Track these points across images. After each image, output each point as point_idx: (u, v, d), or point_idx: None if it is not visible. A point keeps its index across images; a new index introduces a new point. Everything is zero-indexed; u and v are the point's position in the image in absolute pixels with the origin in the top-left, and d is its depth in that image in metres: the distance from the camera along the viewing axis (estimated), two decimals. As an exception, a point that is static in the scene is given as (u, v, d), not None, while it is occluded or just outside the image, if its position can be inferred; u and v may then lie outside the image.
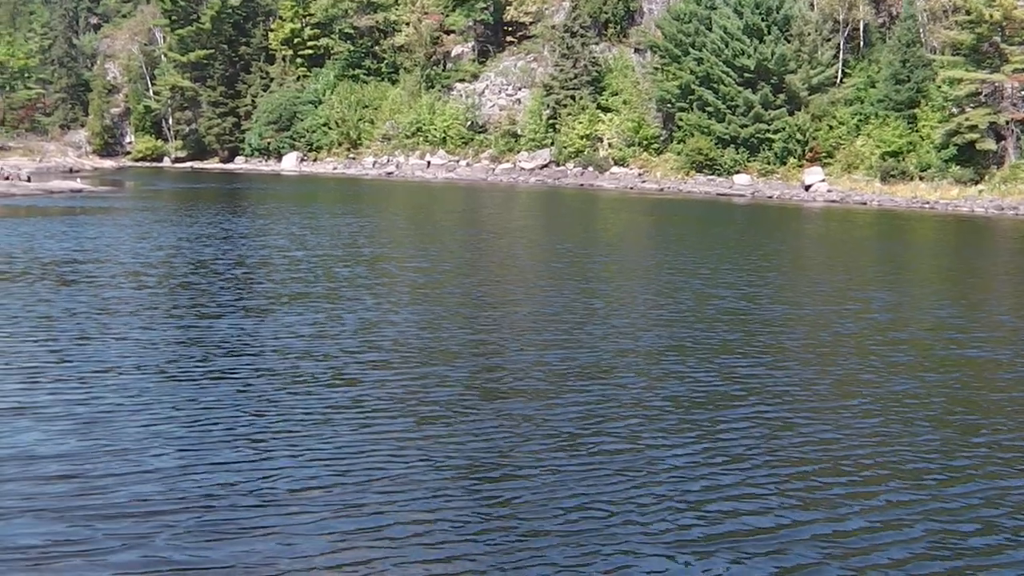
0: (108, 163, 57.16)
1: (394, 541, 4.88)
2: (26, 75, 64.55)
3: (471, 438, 6.40)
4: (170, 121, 59.03)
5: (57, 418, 6.73)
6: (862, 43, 39.05)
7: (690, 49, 40.22)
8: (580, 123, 42.45)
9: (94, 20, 68.60)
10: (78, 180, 40.25)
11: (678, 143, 40.66)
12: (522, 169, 43.66)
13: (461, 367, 8.40)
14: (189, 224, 23.52)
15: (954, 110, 34.02)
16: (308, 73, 54.07)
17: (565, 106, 43.09)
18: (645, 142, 41.97)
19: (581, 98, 42.80)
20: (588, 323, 10.37)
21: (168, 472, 5.69)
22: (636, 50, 44.73)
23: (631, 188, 39.11)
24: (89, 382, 7.79)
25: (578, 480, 5.66)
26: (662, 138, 41.83)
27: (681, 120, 40.19)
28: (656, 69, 42.29)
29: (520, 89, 46.88)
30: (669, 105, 41.02)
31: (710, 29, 39.76)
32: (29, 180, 38.21)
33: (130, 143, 61.93)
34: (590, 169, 42.02)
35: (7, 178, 38.05)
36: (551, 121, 43.82)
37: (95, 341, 9.39)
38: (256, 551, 4.66)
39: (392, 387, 7.68)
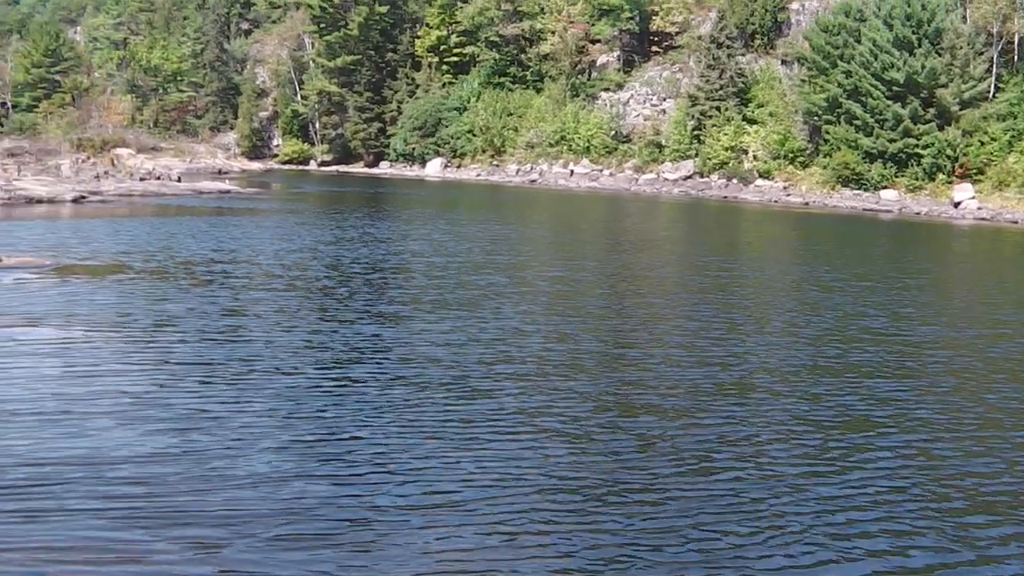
0: (256, 165, 64.46)
1: (520, 560, 5.23)
2: (179, 79, 73.15)
3: (604, 456, 6.88)
4: (317, 125, 66.15)
5: (180, 418, 7.53)
6: (1016, 56, 41.91)
7: (838, 61, 43.78)
8: (725, 135, 46.64)
9: (245, 26, 76.92)
10: (226, 181, 45.49)
11: (824, 157, 44.00)
12: (665, 180, 48.08)
13: (597, 382, 9.06)
14: (331, 227, 25.68)
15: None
16: (453, 80, 60.10)
17: (710, 117, 47.38)
18: (790, 155, 45.53)
19: (726, 109, 47.00)
20: (729, 339, 11.13)
21: (286, 478, 6.28)
22: (783, 62, 48.51)
23: (775, 201, 42.37)
24: (215, 382, 8.72)
25: (713, 505, 6.02)
26: (808, 151, 45.27)
27: (827, 133, 43.61)
28: (803, 81, 46.01)
29: (665, 99, 51.47)
30: (815, 118, 44.59)
31: (859, 41, 43.18)
32: (179, 180, 43.41)
33: (277, 146, 69.48)
34: (734, 181, 46.21)
35: (159, 178, 43.40)
36: (695, 132, 48.09)
37: (225, 341, 10.50)
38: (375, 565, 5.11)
39: (525, 400, 8.28)
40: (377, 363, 9.52)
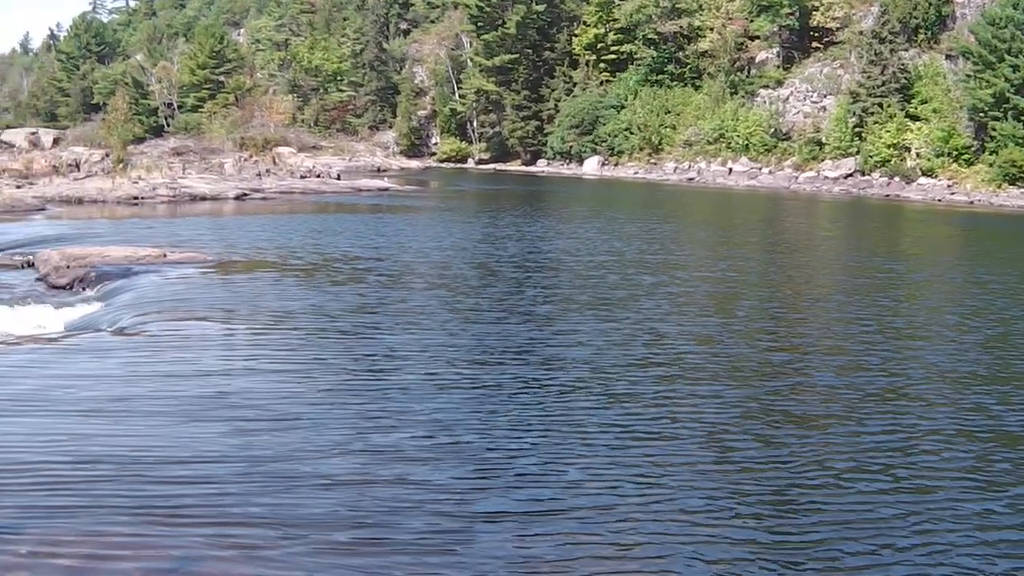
0: (414, 163, 69.64)
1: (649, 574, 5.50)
2: (339, 78, 79.81)
3: (763, 465, 7.04)
4: (474, 124, 71.39)
5: (317, 416, 8.07)
6: None
7: (1005, 56, 45.28)
8: (887, 132, 49.12)
9: (403, 26, 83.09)
10: (385, 179, 48.59)
11: (990, 154, 45.70)
12: (825, 178, 50.94)
13: (744, 388, 9.30)
14: (486, 225, 27.10)
15: None
16: (611, 78, 64.17)
17: (872, 114, 50.07)
18: (955, 152, 47.37)
19: (889, 106, 49.54)
20: (887, 345, 11.36)
21: (421, 481, 6.64)
22: (947, 56, 50.37)
23: (939, 200, 44.14)
24: (360, 379, 9.35)
25: (857, 521, 6.14)
26: (973, 149, 47.07)
27: (994, 130, 45.29)
28: (968, 76, 47.80)
29: (825, 96, 54.41)
30: (981, 114, 46.13)
31: (1028, 35, 45.58)
32: (339, 178, 47.04)
33: (435, 144, 75.03)
34: (896, 180, 48.94)
35: (319, 176, 47.29)
36: (857, 129, 50.67)
37: (375, 337, 11.37)
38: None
39: (667, 405, 8.58)
40: (520, 363, 10.11)
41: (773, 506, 6.42)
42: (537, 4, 67.37)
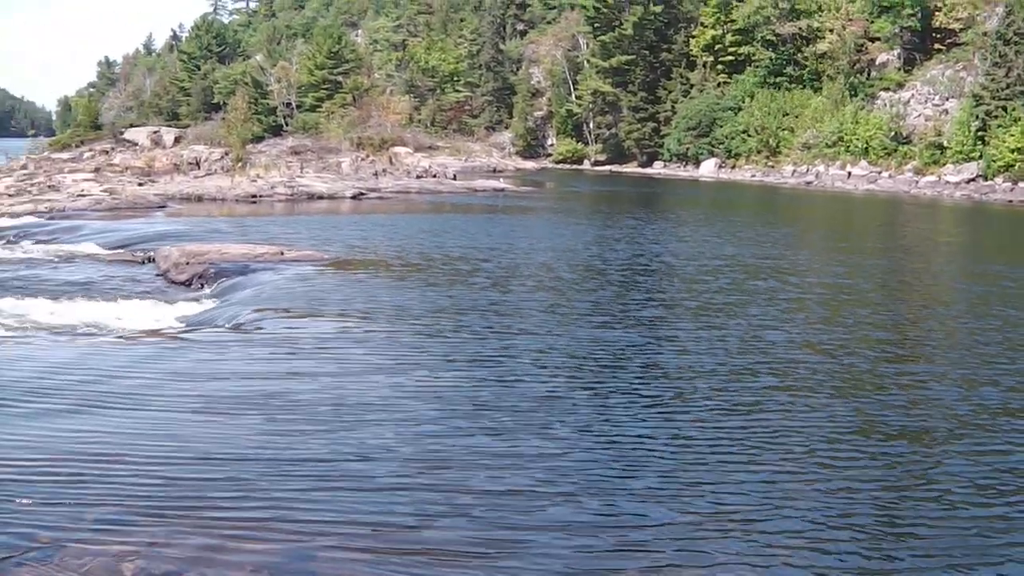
0: (530, 164, 72.69)
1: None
2: (455, 79, 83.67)
3: (874, 484, 7.13)
4: (591, 125, 74.10)
5: (425, 416, 8.53)
6: None
7: None
8: (1011, 136, 49.68)
9: (520, 27, 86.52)
10: (500, 180, 50.22)
11: None
12: (946, 183, 51.70)
13: (864, 399, 9.35)
14: (599, 227, 28.02)
15: None
16: (728, 80, 66.13)
17: (996, 117, 50.80)
18: None
19: (1014, 109, 50.06)
20: (1013, 357, 11.35)
21: (520, 489, 6.96)
22: (1076, 59, 52.31)
23: None
24: (467, 379, 9.83)
25: (1007, 550, 6.19)
26: None
27: None
28: (1097, 80, 49.74)
29: (948, 99, 55.58)
30: None
31: None
32: (455, 178, 49.02)
33: (551, 145, 77.95)
34: (1021, 185, 50.27)
35: (435, 176, 49.39)
36: (980, 133, 51.36)
37: (481, 339, 11.77)
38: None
39: (784, 416, 8.67)
40: (619, 369, 10.44)
41: (882, 528, 6.46)
42: (654, 5, 69.68)
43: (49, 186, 38.64)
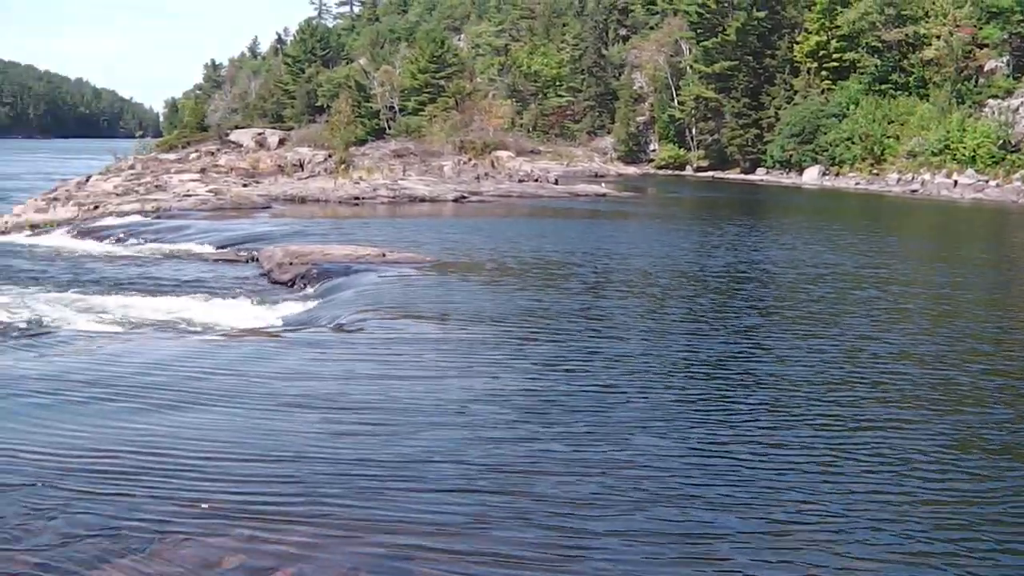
0: (631, 169, 74.40)
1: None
2: (558, 83, 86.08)
3: (976, 503, 7.09)
4: (693, 131, 75.20)
5: (507, 420, 8.84)
6: None
7: None
8: None
9: (623, 32, 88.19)
10: (602, 185, 51.84)
11: None
12: None
13: (966, 413, 9.28)
14: (699, 233, 28.36)
15: None
16: (832, 86, 66.69)
17: (1107, 126, 52.37)
18: None
19: None
20: None
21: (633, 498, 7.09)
22: None
23: None
24: (560, 385, 10.20)
25: None
26: None
27: None
28: None
29: (1058, 107, 56.73)
30: None
31: None
32: (556, 183, 49.99)
33: (653, 151, 79.15)
34: None
35: (536, 180, 50.40)
36: None
37: (577, 342, 12.21)
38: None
39: (881, 430, 8.73)
40: (715, 378, 10.62)
41: (978, 547, 6.42)
42: (758, 11, 70.54)
43: (156, 186, 40.09)
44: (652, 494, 7.27)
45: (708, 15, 73.37)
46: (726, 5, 72.30)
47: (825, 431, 8.88)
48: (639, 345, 12.41)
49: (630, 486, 7.41)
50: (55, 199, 35.40)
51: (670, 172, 75.00)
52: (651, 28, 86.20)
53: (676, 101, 76.98)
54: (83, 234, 27.41)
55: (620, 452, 8.20)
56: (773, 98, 70.70)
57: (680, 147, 77.15)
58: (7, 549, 6.31)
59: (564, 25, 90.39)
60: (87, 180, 41.76)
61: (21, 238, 27.68)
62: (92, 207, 32.87)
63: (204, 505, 7.02)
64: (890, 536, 6.61)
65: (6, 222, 30.94)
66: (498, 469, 7.79)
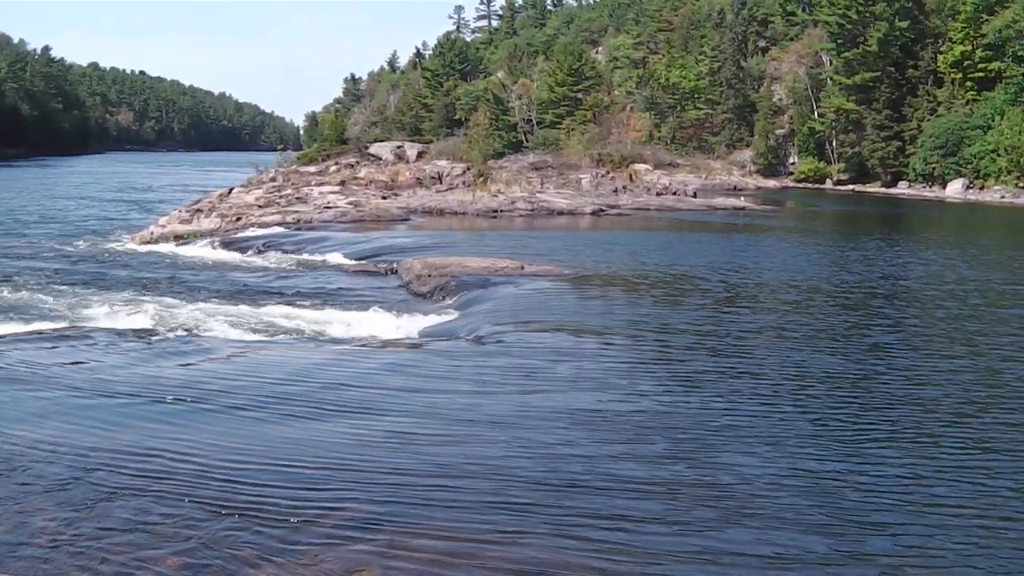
0: (770, 183, 75.75)
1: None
2: (696, 96, 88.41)
3: None
4: (833, 143, 76.07)
5: (634, 436, 9.06)
6: None
7: None
8: None
9: (761, 43, 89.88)
10: (741, 198, 52.52)
11: None
12: None
13: None
14: (838, 248, 28.56)
15: None
16: (977, 97, 66.68)
17: None
18: None
19: None
20: None
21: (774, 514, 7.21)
22: None
23: None
24: (701, 397, 10.46)
25: None
26: None
27: None
28: None
29: None
30: None
31: None
32: (695, 196, 50.74)
33: (792, 164, 79.92)
34: None
35: (675, 193, 50.69)
36: None
37: (714, 357, 12.53)
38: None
39: None
40: (851, 398, 10.64)
41: None
42: (900, 21, 71.11)
43: (297, 198, 41.08)
44: (754, 514, 7.40)
45: (849, 26, 74.17)
46: (867, 15, 72.99)
47: (956, 457, 8.74)
48: (765, 362, 12.56)
49: (745, 506, 7.56)
50: (199, 211, 36.74)
51: (809, 185, 75.88)
52: (790, 39, 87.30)
53: (816, 113, 77.84)
54: (226, 245, 28.92)
55: (734, 470, 8.35)
56: (915, 109, 71.05)
57: (820, 160, 77.89)
58: (155, 551, 6.68)
59: (702, 37, 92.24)
60: (229, 192, 43.52)
61: (166, 248, 29.18)
62: (234, 219, 34.40)
63: (340, 515, 7.25)
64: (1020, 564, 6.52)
65: (152, 233, 32.65)
66: (636, 487, 7.97)
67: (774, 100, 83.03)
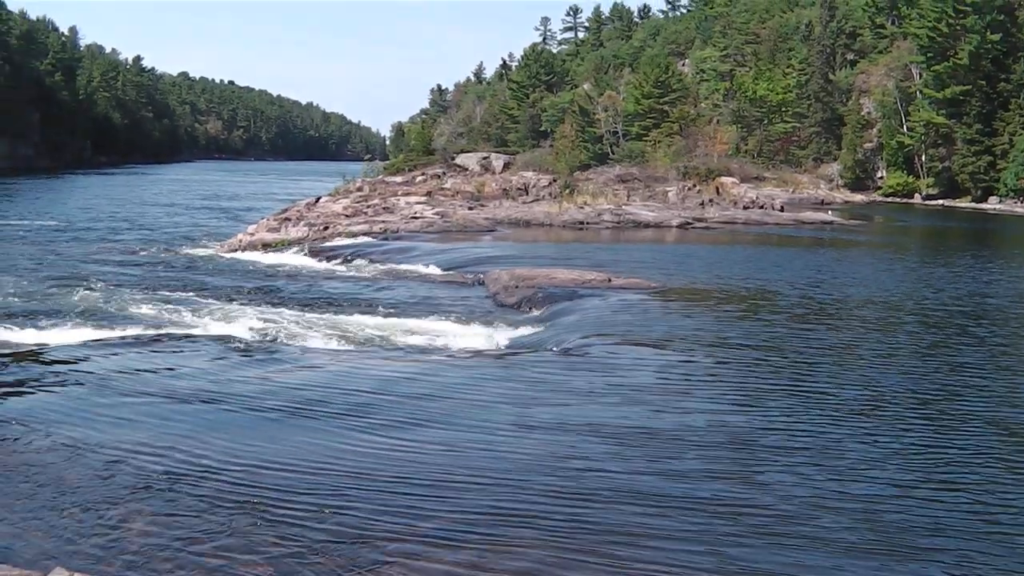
0: (858, 197, 75.37)
1: None
2: (783, 109, 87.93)
3: None
4: (923, 157, 75.56)
5: (738, 451, 9.10)
6: None
7: None
8: None
9: (850, 56, 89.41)
10: (829, 212, 52.32)
11: None
12: None
13: None
14: (925, 264, 28.42)
15: None
16: None
17: None
18: None
19: None
20: None
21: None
22: None
23: None
24: (771, 417, 10.40)
25: None
26: None
27: None
28: None
29: None
30: None
31: None
32: (782, 210, 50.63)
33: (881, 178, 79.73)
34: None
35: (762, 207, 50.90)
36: None
37: (801, 373, 12.51)
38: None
39: None
40: (938, 419, 10.54)
41: None
42: (992, 34, 70.51)
43: (383, 208, 41.70)
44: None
45: (939, 39, 73.79)
46: (958, 28, 72.64)
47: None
48: (845, 380, 12.54)
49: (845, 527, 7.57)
50: (287, 219, 36.98)
51: (898, 200, 75.42)
52: (879, 52, 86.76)
53: (905, 127, 77.41)
54: (314, 254, 29.19)
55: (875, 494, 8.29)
56: (1007, 124, 70.38)
57: (908, 174, 77.40)
58: (247, 556, 6.85)
59: (790, 50, 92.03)
60: (317, 201, 44.22)
61: (254, 256, 29.49)
62: (322, 228, 34.95)
63: (425, 528, 7.26)
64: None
65: (240, 240, 33.19)
66: (725, 501, 8.04)
67: (862, 113, 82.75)
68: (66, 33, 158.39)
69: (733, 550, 7.04)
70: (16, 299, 19.90)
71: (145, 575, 6.63)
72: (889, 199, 76.26)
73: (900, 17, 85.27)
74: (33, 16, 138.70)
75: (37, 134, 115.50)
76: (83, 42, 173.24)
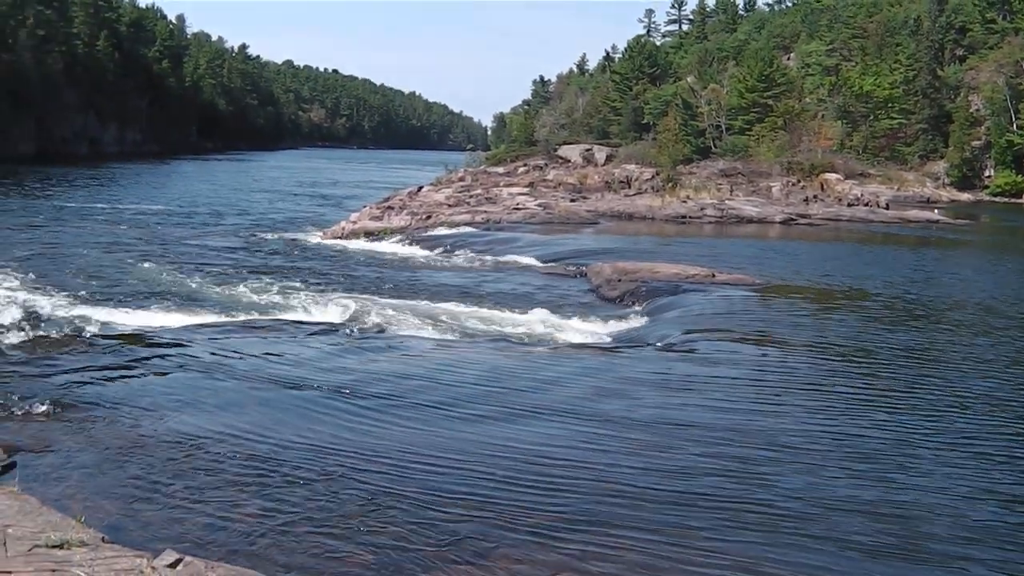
0: (965, 196, 74.43)
1: None
2: (889, 105, 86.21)
3: None
4: None
5: (818, 454, 9.03)
6: None
7: None
8: None
9: (959, 52, 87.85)
10: (935, 211, 51.99)
11: None
12: None
13: None
14: None
15: None
16: None
17: None
18: None
19: None
20: None
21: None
22: None
23: None
24: (870, 418, 10.30)
25: None
26: None
27: None
28: None
29: None
30: None
31: None
32: (887, 207, 50.03)
33: (988, 177, 78.31)
34: None
35: (866, 204, 49.89)
36: None
37: (897, 377, 12.32)
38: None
39: None
40: (1001, 424, 10.46)
41: None
42: None
43: (486, 198, 42.11)
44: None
45: (1053, 33, 71.95)
46: (1073, 24, 70.72)
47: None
48: (943, 384, 12.39)
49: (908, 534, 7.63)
50: (389, 208, 37.88)
51: (1007, 200, 74.01)
52: (990, 48, 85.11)
53: (1015, 125, 76.10)
54: (416, 242, 29.99)
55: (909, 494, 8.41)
56: None
57: (1018, 174, 75.86)
58: (348, 543, 6.95)
59: (897, 45, 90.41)
60: (419, 191, 44.89)
61: (357, 244, 30.18)
62: (424, 217, 35.71)
63: (534, 518, 7.32)
64: None
65: (343, 228, 34.01)
66: (826, 504, 8.12)
67: (971, 111, 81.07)
68: (174, 21, 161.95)
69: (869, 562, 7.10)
70: (122, 282, 20.58)
71: (250, 558, 6.75)
72: (997, 198, 74.92)
73: (1012, 12, 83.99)
74: (142, 4, 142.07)
75: (145, 120, 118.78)
76: (190, 30, 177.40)
